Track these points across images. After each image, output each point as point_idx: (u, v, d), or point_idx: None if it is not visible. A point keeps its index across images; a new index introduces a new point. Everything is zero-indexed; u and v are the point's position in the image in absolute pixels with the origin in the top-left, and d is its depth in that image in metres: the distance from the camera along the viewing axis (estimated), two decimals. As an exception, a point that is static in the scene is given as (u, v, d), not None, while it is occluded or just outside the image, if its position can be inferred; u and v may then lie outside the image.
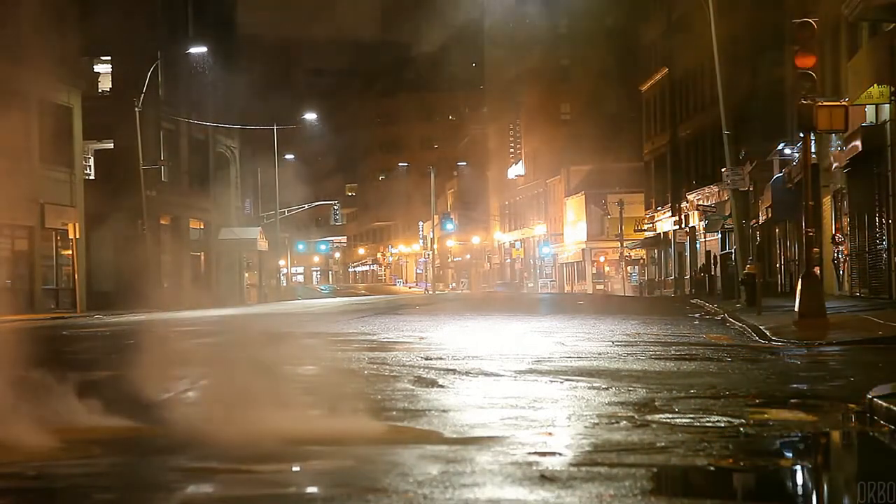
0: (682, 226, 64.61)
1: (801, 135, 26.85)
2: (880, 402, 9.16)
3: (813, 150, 26.27)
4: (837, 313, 23.81)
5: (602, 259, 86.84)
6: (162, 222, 54.67)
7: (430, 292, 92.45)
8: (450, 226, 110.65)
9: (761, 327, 21.20)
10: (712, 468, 7.22)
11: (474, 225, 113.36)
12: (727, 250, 49.11)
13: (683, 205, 64.60)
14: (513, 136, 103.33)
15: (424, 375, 12.64)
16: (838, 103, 23.63)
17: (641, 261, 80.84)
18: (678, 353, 16.34)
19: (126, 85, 50.73)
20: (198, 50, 56.26)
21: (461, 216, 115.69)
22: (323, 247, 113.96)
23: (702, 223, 58.91)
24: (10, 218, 39.27)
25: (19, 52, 33.25)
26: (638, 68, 76.04)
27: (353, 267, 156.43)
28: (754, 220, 48.07)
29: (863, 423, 9.18)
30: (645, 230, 76.25)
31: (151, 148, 52.23)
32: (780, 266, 47.37)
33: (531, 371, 13.16)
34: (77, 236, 44.17)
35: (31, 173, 40.23)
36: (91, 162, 53.20)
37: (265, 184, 72.77)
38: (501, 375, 12.70)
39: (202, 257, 60.73)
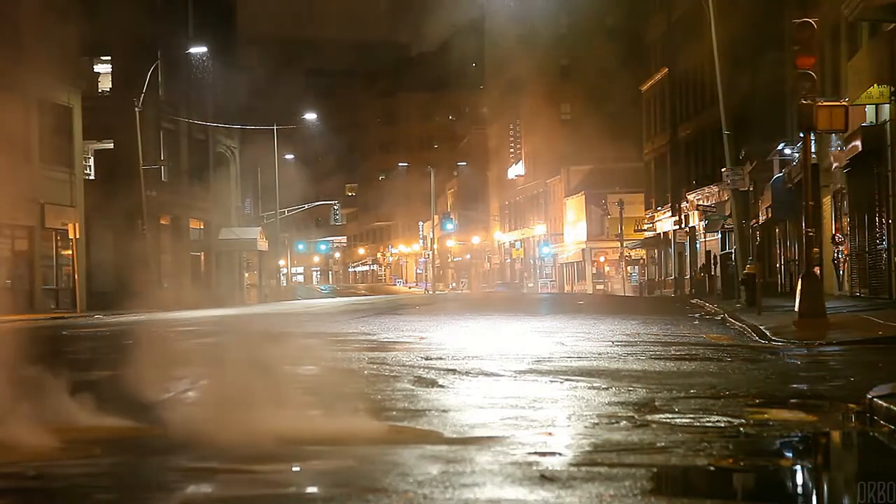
0: (682, 226, 64.60)
1: (801, 135, 26.83)
2: (880, 402, 9.16)
3: (813, 150, 26.26)
4: (837, 313, 23.80)
5: (602, 259, 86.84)
6: (162, 222, 54.68)
7: (430, 292, 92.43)
8: (450, 226, 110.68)
9: (761, 327, 21.18)
10: (712, 468, 7.22)
11: (474, 225, 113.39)
12: (727, 250, 49.11)
13: (683, 205, 64.59)
14: (513, 136, 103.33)
15: (424, 375, 12.64)
16: (838, 103, 23.61)
17: (641, 261, 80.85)
18: (678, 353, 16.33)
19: (126, 85, 50.77)
20: (198, 50, 56.29)
21: (461, 216, 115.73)
22: (323, 247, 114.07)
23: (702, 223, 58.91)
24: (10, 218, 39.28)
25: (19, 51, 33.24)
26: (638, 68, 76.06)
27: (353, 267, 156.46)
28: (754, 220, 48.05)
29: (863, 423, 9.17)
30: (645, 230, 76.25)
31: (151, 148, 52.25)
32: (780, 266, 47.36)
33: (531, 371, 13.16)
34: (77, 236, 44.17)
35: (31, 173, 40.23)
36: (91, 162, 53.22)
37: (265, 184, 72.78)
38: (501, 375, 12.70)
39: (202, 257, 60.75)
